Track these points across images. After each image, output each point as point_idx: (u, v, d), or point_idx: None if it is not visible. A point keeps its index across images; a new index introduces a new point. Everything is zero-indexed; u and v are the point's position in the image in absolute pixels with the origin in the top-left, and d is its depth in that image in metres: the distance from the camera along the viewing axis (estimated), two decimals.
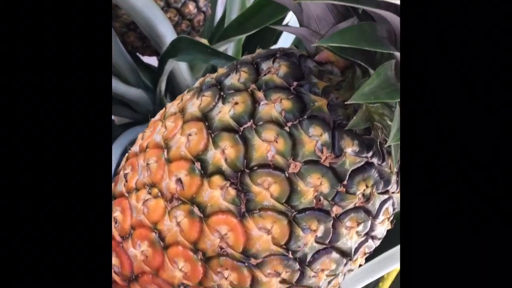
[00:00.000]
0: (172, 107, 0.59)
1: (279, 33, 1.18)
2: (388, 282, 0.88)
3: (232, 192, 0.51)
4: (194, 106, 0.55)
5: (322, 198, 0.51)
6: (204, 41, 1.19)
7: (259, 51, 0.58)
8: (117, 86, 1.13)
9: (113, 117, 1.32)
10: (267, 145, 0.51)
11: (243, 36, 1.14)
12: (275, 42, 1.15)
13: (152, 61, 1.30)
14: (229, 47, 1.23)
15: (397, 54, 0.47)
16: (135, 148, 0.59)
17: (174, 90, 1.19)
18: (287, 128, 0.51)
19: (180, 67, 1.19)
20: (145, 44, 1.21)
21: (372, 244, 0.57)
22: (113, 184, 0.60)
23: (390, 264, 0.71)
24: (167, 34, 1.08)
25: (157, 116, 0.61)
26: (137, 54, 1.27)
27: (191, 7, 1.17)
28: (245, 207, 0.51)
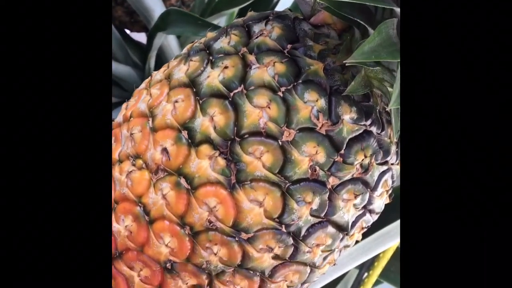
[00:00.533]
0: (158, 74, 0.55)
1: (274, 5, 1.14)
2: (384, 261, 0.85)
3: (221, 162, 0.48)
4: (181, 71, 0.52)
5: (317, 168, 0.48)
6: None
7: (250, 13, 0.54)
8: None
9: None
10: (259, 112, 0.47)
11: (236, 9, 1.09)
12: None
13: (141, 38, 1.26)
14: (221, 22, 1.19)
15: (398, 11, 0.44)
16: (119, 118, 0.56)
17: None
18: (280, 93, 0.48)
19: (170, 43, 1.15)
20: (133, 19, 1.16)
21: (369, 219, 0.54)
22: None
23: (388, 241, 0.68)
24: (156, 7, 1.04)
25: (143, 85, 0.57)
26: (125, 30, 1.23)
27: None
28: (236, 178, 0.48)
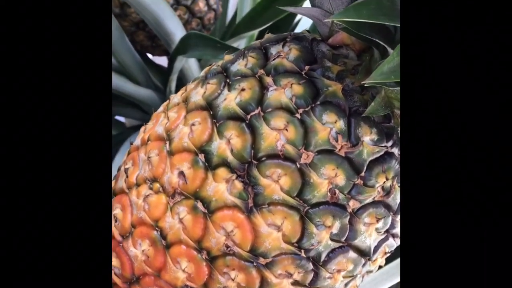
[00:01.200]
0: (175, 97, 0.55)
1: (293, 27, 1.14)
2: None
3: (238, 185, 0.47)
4: (198, 94, 0.51)
5: (337, 191, 0.47)
6: None
7: (268, 35, 0.54)
8: (126, 86, 1.10)
9: (123, 119, 1.29)
10: (276, 134, 0.47)
11: (256, 32, 1.10)
12: None
13: (163, 61, 1.27)
14: (241, 45, 1.20)
15: None
16: (137, 141, 0.56)
17: None
18: (298, 115, 0.47)
19: (191, 66, 1.16)
20: (154, 44, 1.18)
21: (393, 243, 0.52)
22: (113, 182, 0.56)
23: None
24: (176, 31, 1.05)
25: (161, 108, 0.57)
26: (147, 54, 1.24)
27: (201, 4, 1.14)
28: (253, 202, 0.47)
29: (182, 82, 1.17)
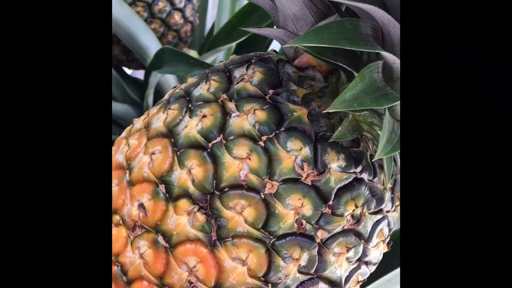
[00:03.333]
0: (138, 122, 0.53)
1: (270, 40, 1.12)
2: None
3: (200, 217, 0.44)
4: (159, 121, 0.49)
5: (304, 222, 0.45)
6: (193, 52, 1.14)
7: (232, 57, 0.52)
8: None
9: None
10: (239, 163, 0.44)
11: (233, 44, 1.08)
12: (266, 48, 1.09)
13: (140, 74, 1.25)
14: (219, 57, 1.18)
15: (385, 54, 0.41)
16: None
17: None
18: (261, 143, 0.45)
19: (168, 79, 1.13)
20: (130, 58, 1.16)
21: (366, 271, 0.50)
22: None
23: None
24: (151, 45, 1.03)
25: (123, 133, 0.55)
26: (123, 68, 1.22)
27: (177, 17, 1.12)
28: (216, 235, 0.44)
29: (160, 95, 1.15)
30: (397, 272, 0.62)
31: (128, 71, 1.28)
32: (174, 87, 0.54)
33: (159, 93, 1.15)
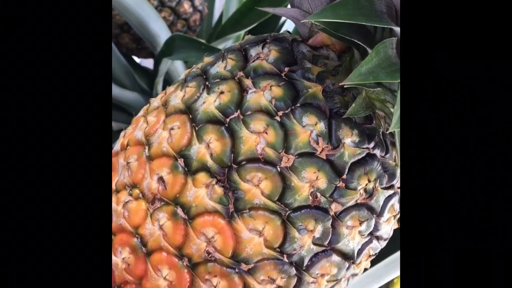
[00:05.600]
0: (155, 101, 0.54)
1: (279, 27, 1.13)
2: (398, 286, 0.82)
3: (218, 190, 0.46)
4: (177, 98, 0.51)
5: (319, 195, 0.46)
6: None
7: (248, 37, 0.53)
8: (112, 89, 1.08)
9: None
10: (256, 137, 0.46)
11: (242, 33, 1.09)
12: None
13: (149, 64, 1.26)
14: (227, 46, 1.19)
15: (399, 30, 0.42)
16: (116, 147, 0.55)
17: None
18: (278, 118, 0.46)
19: (177, 68, 1.15)
20: (139, 46, 1.17)
21: (377, 245, 0.52)
22: None
23: (399, 267, 0.65)
24: (161, 33, 1.04)
25: (141, 112, 0.56)
26: (133, 56, 1.23)
27: (187, 6, 1.13)
28: (234, 207, 0.46)
29: (168, 84, 1.16)
30: (382, 264, 0.63)
31: (137, 60, 1.29)
32: (189, 68, 0.55)
33: (167, 82, 1.17)
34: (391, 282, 0.81)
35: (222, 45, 1.12)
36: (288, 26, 1.15)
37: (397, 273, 0.65)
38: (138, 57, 1.22)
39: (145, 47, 1.17)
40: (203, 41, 1.02)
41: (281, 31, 1.14)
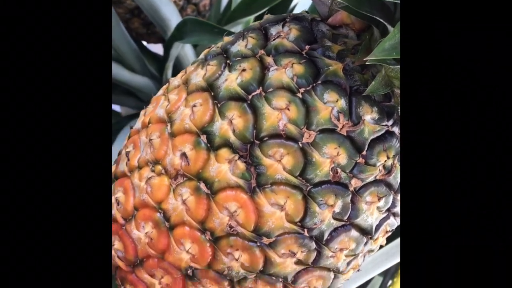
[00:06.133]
0: (175, 80, 0.55)
1: (290, 12, 1.13)
2: (398, 286, 0.83)
3: (241, 165, 0.47)
4: (198, 76, 0.51)
5: (339, 170, 0.47)
6: None
7: (267, 16, 0.54)
8: (122, 73, 1.09)
9: (119, 108, 1.29)
10: (278, 113, 0.47)
11: (252, 18, 1.09)
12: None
13: (157, 49, 1.27)
14: (237, 30, 1.19)
15: None
16: (137, 125, 0.56)
17: None
18: (299, 95, 0.47)
19: (187, 53, 1.15)
20: (149, 31, 1.17)
21: (394, 222, 0.53)
22: (114, 166, 0.56)
23: None
24: (172, 17, 1.04)
25: (160, 91, 0.57)
26: (143, 42, 1.23)
27: None
28: (256, 182, 0.47)
29: (178, 69, 1.17)
30: (397, 243, 0.64)
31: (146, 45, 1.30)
32: (209, 47, 0.56)
33: (177, 67, 1.17)
34: (391, 283, 0.82)
35: (232, 30, 1.13)
36: (298, 11, 1.15)
37: None
38: (148, 42, 1.22)
39: (155, 32, 1.17)
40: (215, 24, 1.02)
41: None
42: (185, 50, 1.13)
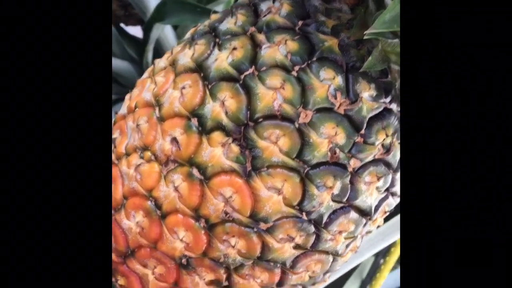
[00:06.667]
0: (161, 61, 0.52)
1: None
2: (380, 281, 0.83)
3: (235, 149, 0.45)
4: (186, 56, 0.49)
5: (337, 151, 0.45)
6: None
7: None
8: None
9: None
10: (272, 93, 0.44)
11: None
12: None
13: (136, 32, 1.23)
14: (218, 9, 1.16)
15: None
16: (123, 110, 0.53)
17: None
18: (294, 73, 0.45)
19: (167, 36, 1.12)
20: (127, 13, 1.14)
21: (392, 202, 0.51)
22: None
23: None
24: None
25: (145, 74, 0.54)
26: (121, 24, 1.20)
27: None
28: (251, 165, 0.45)
29: (158, 52, 1.13)
30: (392, 222, 0.63)
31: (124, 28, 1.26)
32: (194, 26, 0.53)
33: (157, 51, 1.14)
34: (393, 243, 0.82)
35: (215, 9, 1.09)
36: None
37: None
38: (126, 24, 1.18)
39: (133, 14, 1.13)
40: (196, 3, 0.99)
41: None
42: (165, 32, 1.10)
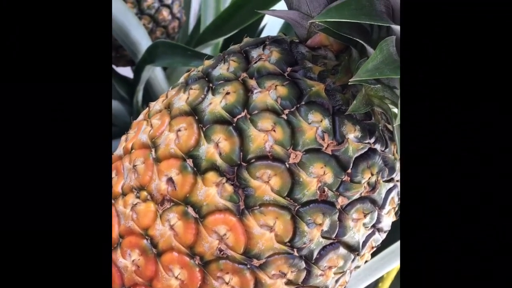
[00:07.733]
0: (156, 105, 0.55)
1: (259, 33, 1.15)
2: (388, 282, 0.84)
3: (229, 188, 0.47)
4: (181, 100, 0.51)
5: (326, 189, 0.48)
6: None
7: (246, 39, 0.55)
8: None
9: None
10: (264, 135, 0.47)
11: (221, 40, 1.10)
12: None
13: (127, 72, 1.26)
14: (206, 52, 1.20)
15: (397, 29, 0.44)
16: (119, 151, 0.55)
17: (151, 100, 1.15)
18: (284, 116, 0.48)
19: (157, 76, 1.15)
20: (118, 54, 1.17)
21: (378, 237, 0.54)
22: None
23: (393, 260, 0.68)
24: (142, 40, 1.04)
25: (141, 116, 0.57)
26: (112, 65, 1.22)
27: (165, 13, 1.14)
28: (244, 204, 0.47)
29: (148, 92, 1.16)
30: (379, 258, 0.65)
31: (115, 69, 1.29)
32: (188, 71, 0.56)
33: (147, 91, 1.17)
34: (381, 278, 0.84)
35: (203, 52, 1.13)
36: (268, 31, 1.17)
37: (392, 266, 0.67)
38: (117, 65, 1.21)
39: (124, 55, 1.16)
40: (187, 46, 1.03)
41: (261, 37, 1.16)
42: (155, 72, 1.13)
